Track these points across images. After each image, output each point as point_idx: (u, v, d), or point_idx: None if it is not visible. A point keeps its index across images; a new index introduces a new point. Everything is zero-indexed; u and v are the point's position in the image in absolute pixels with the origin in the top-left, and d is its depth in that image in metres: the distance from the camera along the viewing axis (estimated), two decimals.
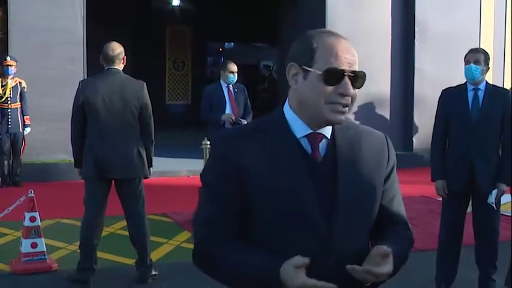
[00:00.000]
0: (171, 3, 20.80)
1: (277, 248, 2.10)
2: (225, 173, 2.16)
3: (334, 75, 2.13)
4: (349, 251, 2.15)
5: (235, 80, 9.31)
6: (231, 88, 9.31)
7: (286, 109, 2.25)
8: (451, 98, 6.00)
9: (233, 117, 9.02)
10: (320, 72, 2.14)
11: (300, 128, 2.20)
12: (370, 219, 2.26)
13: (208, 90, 9.44)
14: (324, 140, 2.21)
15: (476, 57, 5.85)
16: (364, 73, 2.17)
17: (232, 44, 27.47)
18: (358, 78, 2.15)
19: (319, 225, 2.13)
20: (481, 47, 14.77)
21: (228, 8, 20.36)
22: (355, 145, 2.25)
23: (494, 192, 5.78)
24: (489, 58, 5.96)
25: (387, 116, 14.76)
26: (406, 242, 2.32)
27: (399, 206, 2.37)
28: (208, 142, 8.64)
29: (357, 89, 2.16)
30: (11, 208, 6.99)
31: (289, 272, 1.99)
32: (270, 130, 2.21)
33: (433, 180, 6.03)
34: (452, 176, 5.89)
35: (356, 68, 2.16)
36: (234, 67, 9.31)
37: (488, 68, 5.92)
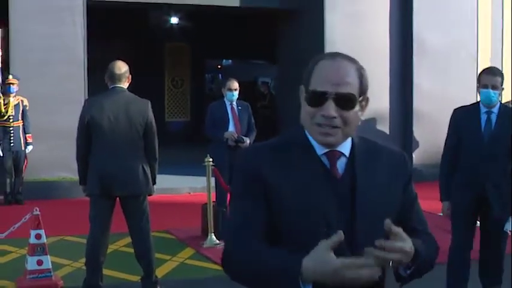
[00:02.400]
0: (170, 20, 20.84)
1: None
2: (252, 183, 2.22)
3: (315, 97, 2.19)
4: None
5: (235, 98, 9.34)
6: (235, 105, 9.35)
7: None
8: (464, 118, 5.92)
9: (235, 135, 9.06)
10: (305, 95, 2.23)
11: (319, 146, 2.27)
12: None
13: (212, 107, 9.48)
14: (342, 158, 2.28)
15: (494, 81, 5.71)
16: (352, 94, 2.20)
17: (231, 61, 27.56)
18: (344, 100, 2.19)
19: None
20: (479, 61, 14.97)
21: (226, 26, 20.46)
22: (373, 162, 2.32)
23: (510, 219, 5.71)
24: (503, 77, 5.84)
25: (386, 131, 14.83)
26: (432, 246, 2.35)
27: (420, 217, 2.44)
28: (211, 159, 8.68)
29: (350, 111, 2.19)
30: (16, 226, 7.03)
31: (318, 257, 1.97)
32: (294, 147, 2.28)
33: (440, 200, 6.01)
34: (460, 198, 5.83)
35: (344, 89, 2.18)
36: (233, 85, 9.34)
37: (503, 88, 5.82)
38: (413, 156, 14.65)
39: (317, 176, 2.23)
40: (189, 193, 12.92)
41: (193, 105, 22.27)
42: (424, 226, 2.43)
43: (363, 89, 2.27)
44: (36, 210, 6.86)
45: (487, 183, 5.71)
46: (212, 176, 8.81)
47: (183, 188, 13.22)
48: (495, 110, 5.79)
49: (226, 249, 2.25)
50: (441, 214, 6.20)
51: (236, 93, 9.32)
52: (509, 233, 5.85)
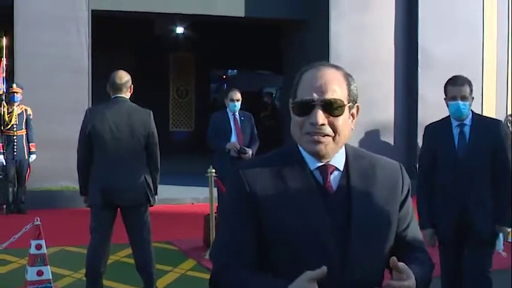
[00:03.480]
0: (175, 30, 20.91)
1: (292, 277, 2.07)
2: (242, 203, 2.18)
3: (302, 106, 2.16)
4: (363, 281, 2.15)
5: (237, 108, 9.29)
6: (237, 116, 9.30)
7: None
8: (436, 135, 5.44)
9: (238, 146, 9.02)
10: (292, 105, 2.20)
11: (312, 160, 2.22)
12: (385, 249, 2.25)
13: (214, 117, 9.43)
14: (336, 172, 2.23)
15: (462, 91, 5.22)
16: (339, 100, 2.16)
17: (236, 71, 27.57)
18: (332, 106, 2.15)
19: (333, 255, 2.13)
20: (484, 73, 14.91)
21: (231, 36, 20.47)
22: (368, 175, 2.25)
23: (501, 236, 5.23)
24: (472, 86, 5.35)
25: (391, 143, 14.78)
26: (427, 266, 2.30)
27: (416, 233, 2.38)
28: (214, 170, 8.63)
29: (339, 117, 2.15)
30: (17, 236, 6.98)
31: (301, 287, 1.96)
32: (286, 162, 2.23)
33: (421, 228, 5.19)
34: (443, 224, 5.33)
35: (331, 95, 2.15)
36: (236, 95, 9.28)
37: (473, 98, 5.34)
38: (418, 167, 14.57)
39: (309, 192, 2.18)
40: (192, 203, 12.87)
41: (198, 115, 22.28)
42: (419, 243, 2.38)
43: (351, 96, 2.22)
44: (37, 220, 6.82)
45: (469, 203, 5.21)
46: (215, 187, 8.76)
47: (186, 198, 13.19)
48: (467, 121, 5.30)
49: (213, 272, 2.22)
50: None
51: (238, 104, 9.27)
52: (503, 254, 5.41)
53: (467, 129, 5.29)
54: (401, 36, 15.01)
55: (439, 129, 5.43)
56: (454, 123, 5.32)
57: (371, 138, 14.07)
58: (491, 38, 15.44)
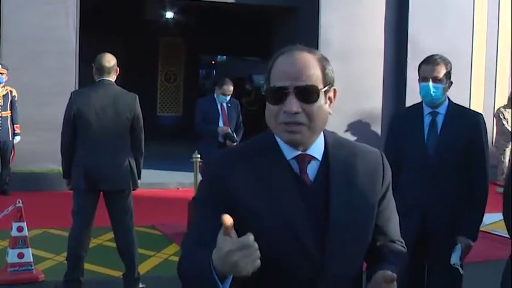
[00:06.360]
0: (165, 15, 20.80)
1: (269, 272, 2.02)
2: (215, 193, 2.09)
3: (275, 94, 2.08)
4: (342, 275, 2.10)
5: (226, 101, 9.28)
6: (224, 103, 9.28)
7: None
8: (403, 124, 4.65)
9: (227, 130, 9.01)
10: (265, 93, 2.12)
11: (288, 150, 2.14)
12: (364, 241, 2.20)
13: (201, 103, 9.39)
14: (313, 162, 2.15)
15: (435, 71, 4.43)
16: (313, 86, 2.07)
17: (225, 57, 27.49)
18: (306, 93, 2.06)
19: (310, 249, 2.08)
20: (473, 64, 14.89)
21: (221, 22, 20.39)
22: (348, 165, 2.18)
23: (458, 248, 4.36)
24: (451, 68, 4.53)
25: (379, 132, 14.77)
26: (401, 261, 2.26)
27: (395, 226, 2.32)
28: (199, 155, 8.60)
29: (314, 104, 2.06)
30: None
31: (217, 244, 1.82)
32: (262, 152, 2.16)
33: None
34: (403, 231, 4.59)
35: (304, 82, 2.06)
36: (230, 89, 9.24)
37: (451, 82, 4.52)
38: None
39: (285, 183, 2.10)
40: (177, 188, 12.83)
41: (186, 100, 22.20)
42: (398, 235, 2.34)
43: (327, 80, 2.13)
44: (19, 202, 6.77)
45: (430, 208, 4.40)
46: (200, 172, 8.73)
47: (171, 183, 13.13)
48: (441, 110, 4.50)
49: (179, 259, 2.14)
50: None
51: (229, 97, 9.27)
52: (460, 270, 4.39)
53: (440, 119, 4.51)
54: (391, 26, 14.96)
55: (407, 118, 4.70)
56: (426, 110, 4.56)
57: (359, 127, 14.07)
58: (481, 29, 15.42)
